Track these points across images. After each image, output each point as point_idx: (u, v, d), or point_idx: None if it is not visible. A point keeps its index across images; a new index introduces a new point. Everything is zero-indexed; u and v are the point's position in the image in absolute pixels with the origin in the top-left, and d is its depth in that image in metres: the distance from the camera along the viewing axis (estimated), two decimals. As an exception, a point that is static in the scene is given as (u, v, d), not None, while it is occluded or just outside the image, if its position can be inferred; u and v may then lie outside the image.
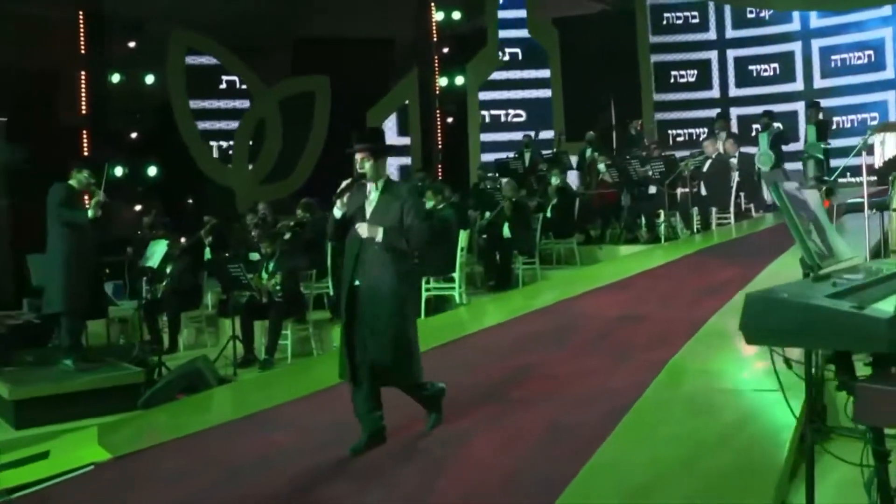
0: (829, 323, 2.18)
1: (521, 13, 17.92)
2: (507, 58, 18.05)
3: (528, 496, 4.25)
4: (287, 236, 10.80)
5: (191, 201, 17.70)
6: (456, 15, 18.11)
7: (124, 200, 16.62)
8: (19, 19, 14.90)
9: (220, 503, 4.65)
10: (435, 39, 18.36)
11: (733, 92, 17.77)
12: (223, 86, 17.68)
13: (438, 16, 18.13)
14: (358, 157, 4.79)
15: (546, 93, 17.92)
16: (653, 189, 11.82)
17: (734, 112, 17.34)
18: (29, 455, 6.05)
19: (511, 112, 18.11)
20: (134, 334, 9.75)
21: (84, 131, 16.26)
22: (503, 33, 18.10)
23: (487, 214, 11.26)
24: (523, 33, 17.99)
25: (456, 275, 9.12)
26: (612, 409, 5.21)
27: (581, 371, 6.09)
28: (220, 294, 10.34)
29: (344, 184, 4.80)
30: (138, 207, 16.75)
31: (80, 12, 16.00)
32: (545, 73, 17.93)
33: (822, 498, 2.91)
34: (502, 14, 17.98)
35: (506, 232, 10.41)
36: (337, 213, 4.82)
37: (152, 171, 16.89)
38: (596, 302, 8.16)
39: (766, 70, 17.51)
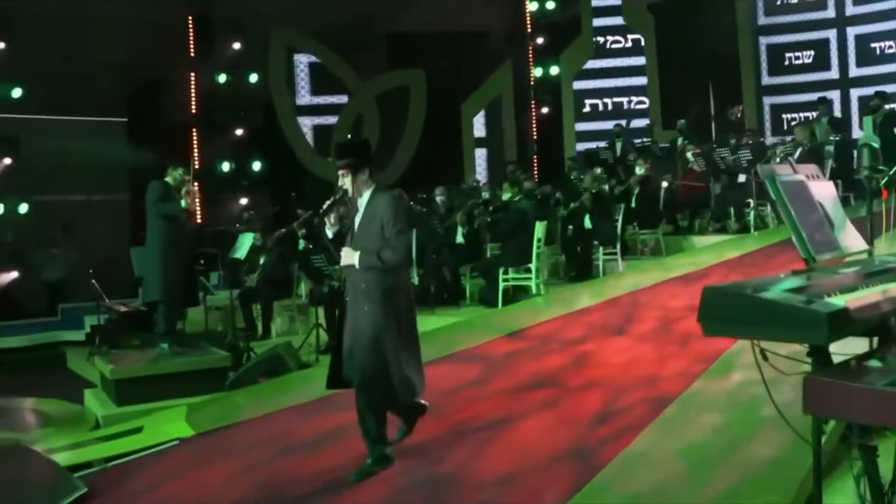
0: (775, 315, 2.27)
1: (616, 0, 17.75)
2: (602, 46, 17.91)
3: (564, 478, 4.42)
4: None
5: (293, 194, 18.38)
6: (550, 4, 18.12)
7: (230, 194, 17.55)
8: (133, 25, 15.91)
9: (286, 476, 5.01)
10: (529, 30, 18.43)
11: (854, 72, 16.94)
12: (322, 82, 18.28)
13: (532, 6, 18.19)
14: (339, 172, 4.76)
15: (641, 80, 17.69)
16: (742, 178, 11.60)
17: (854, 94, 16.53)
18: (125, 429, 6.65)
19: (607, 101, 17.96)
20: (230, 322, 10.35)
21: (194, 129, 17.23)
22: (597, 21, 17.97)
23: (572, 205, 11.34)
24: (618, 21, 17.81)
25: (532, 265, 9.27)
26: (661, 397, 5.32)
27: (637, 360, 6.19)
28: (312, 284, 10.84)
29: (327, 203, 4.80)
30: (244, 201, 17.62)
31: (189, 17, 16.93)
32: (640, 61, 17.69)
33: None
34: (596, 2, 17.85)
35: (586, 223, 10.48)
36: (329, 232, 4.86)
37: (256, 166, 17.71)
38: (668, 292, 8.18)
39: (890, 47, 16.54)
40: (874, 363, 2.38)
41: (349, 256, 4.70)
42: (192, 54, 17.06)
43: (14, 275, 14.52)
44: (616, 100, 17.99)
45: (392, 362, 4.68)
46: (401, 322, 4.74)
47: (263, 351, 8.30)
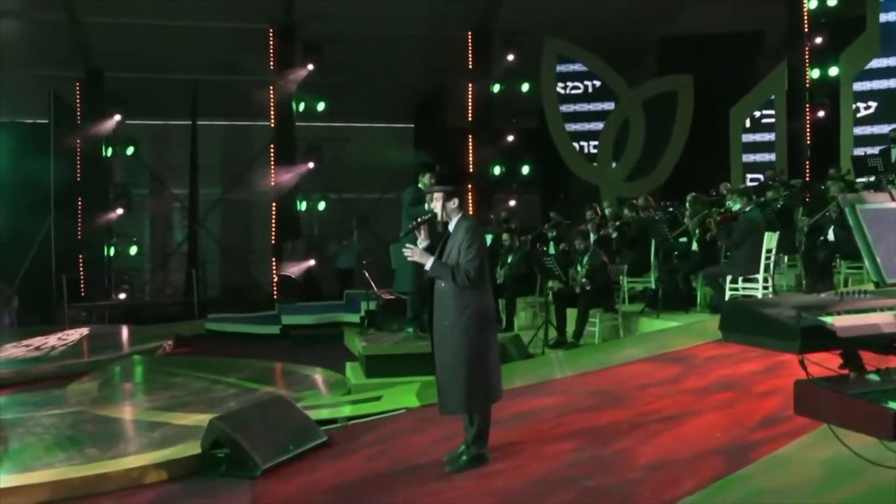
0: (768, 326, 2.68)
1: (908, -5, 16.46)
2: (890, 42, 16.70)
3: (707, 471, 4.84)
4: (614, 235, 11.81)
5: (562, 196, 19.30)
6: (832, 1, 17.23)
7: (501, 195, 18.89)
8: (419, 42, 17.74)
9: (495, 444, 5.80)
10: (807, 29, 17.66)
11: None
12: (591, 89, 18.97)
13: (812, 3, 17.41)
14: (434, 195, 5.33)
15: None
16: None
17: None
18: (368, 397, 7.97)
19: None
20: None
21: (470, 135, 18.79)
22: (885, 17, 16.78)
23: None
24: (908, 16, 16.52)
25: (759, 275, 9.33)
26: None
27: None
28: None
29: (420, 219, 5.38)
30: (512, 203, 18.88)
31: (469, 32, 18.47)
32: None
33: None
34: (885, -3, 16.68)
35: (830, 235, 10.22)
36: (422, 243, 5.30)
37: (525, 169, 18.88)
38: None
39: None
40: (873, 376, 2.71)
41: (421, 255, 5.20)
42: (471, 66, 18.57)
43: (311, 263, 17.01)
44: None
45: (471, 371, 5.16)
46: (475, 338, 5.17)
47: (495, 341, 9.28)
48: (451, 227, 5.27)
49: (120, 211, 17.86)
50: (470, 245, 5.10)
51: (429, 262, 5.17)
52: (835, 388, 2.63)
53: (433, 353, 5.40)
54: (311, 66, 17.11)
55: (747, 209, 9.51)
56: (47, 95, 16.71)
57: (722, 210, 10.50)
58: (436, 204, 5.28)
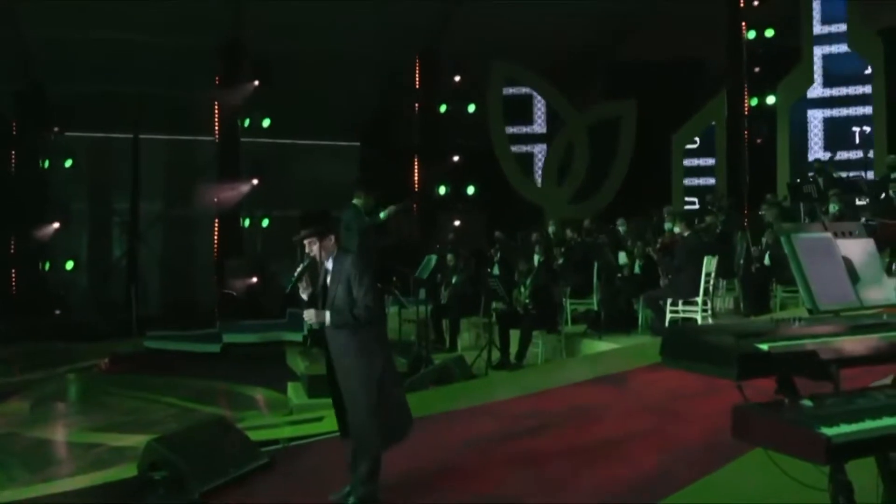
0: (709, 353, 2.76)
1: (840, 27, 17.10)
2: (820, 74, 17.34)
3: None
4: (560, 261, 11.93)
5: (504, 218, 19.47)
6: (769, 32, 17.82)
7: (446, 214, 18.96)
8: (366, 63, 17.75)
9: (438, 467, 5.86)
10: (745, 58, 18.19)
11: None
12: (537, 112, 19.24)
13: (750, 34, 17.96)
14: (305, 242, 5.08)
15: (866, 110, 16.90)
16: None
17: None
18: (309, 417, 7.88)
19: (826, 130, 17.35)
20: (424, 334, 11.42)
21: (415, 155, 18.86)
22: (819, 50, 17.42)
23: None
24: (841, 48, 17.15)
25: (699, 298, 9.53)
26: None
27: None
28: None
29: (298, 270, 5.14)
30: (457, 222, 18.97)
31: (416, 55, 18.57)
32: (865, 89, 16.93)
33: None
34: (818, 30, 17.31)
35: (766, 259, 10.50)
36: (304, 295, 5.15)
37: (471, 190, 19.01)
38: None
39: None
40: (806, 402, 2.78)
41: (319, 315, 5.02)
42: (418, 86, 18.67)
43: (254, 280, 16.83)
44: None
45: (374, 410, 5.01)
46: (381, 371, 5.06)
47: (438, 362, 9.29)
48: (328, 265, 5.08)
49: (56, 225, 17.41)
50: (361, 277, 4.95)
51: (327, 318, 5.00)
52: (770, 414, 2.69)
53: (334, 390, 5.31)
54: (256, 83, 17.01)
55: (686, 234, 9.73)
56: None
57: (661, 238, 10.74)
58: (312, 248, 5.06)
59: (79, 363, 12.50)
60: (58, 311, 17.34)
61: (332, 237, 5.11)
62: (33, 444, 7.47)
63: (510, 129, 19.18)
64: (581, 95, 19.53)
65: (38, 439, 7.65)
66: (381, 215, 9.19)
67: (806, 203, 13.28)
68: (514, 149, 19.16)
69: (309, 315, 5.06)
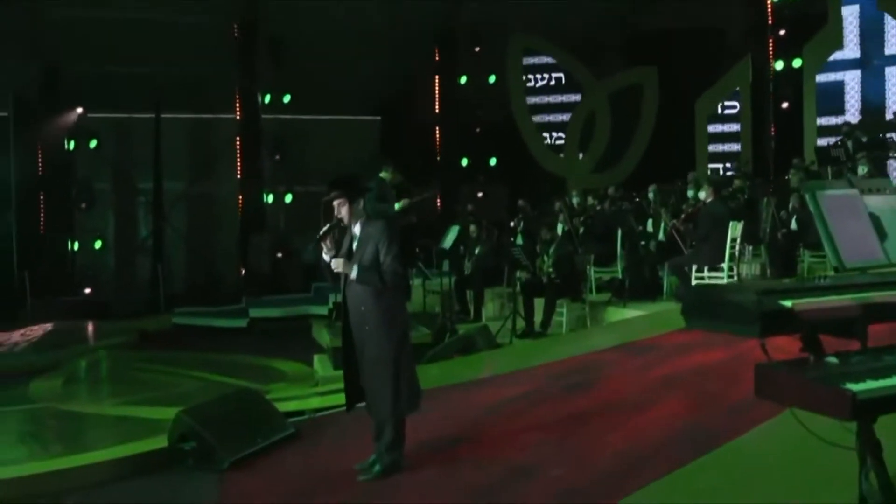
0: (731, 312, 2.72)
1: (868, -13, 16.74)
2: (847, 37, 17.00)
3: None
4: (581, 230, 11.88)
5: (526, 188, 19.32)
6: (794, -6, 17.47)
7: (468, 187, 18.90)
8: (385, 36, 17.67)
9: (462, 435, 5.90)
10: (770, 22, 17.87)
11: None
12: (557, 81, 19.06)
13: (774, -3, 17.62)
14: (335, 203, 5.05)
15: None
16: None
17: None
18: (335, 388, 7.92)
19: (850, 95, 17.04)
20: (449, 305, 11.44)
21: (436, 128, 18.79)
22: (846, 10, 17.06)
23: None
24: (871, 9, 16.79)
25: (724, 265, 9.45)
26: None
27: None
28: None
29: (323, 229, 5.07)
30: (480, 194, 18.91)
31: (435, 26, 18.43)
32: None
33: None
34: (845, -10, 16.96)
35: (793, 224, 10.38)
36: (325, 257, 5.09)
37: (493, 161, 18.92)
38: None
39: None
40: (831, 359, 2.75)
41: (345, 266, 4.98)
42: (437, 59, 18.55)
43: (278, 256, 16.92)
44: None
45: (397, 377, 5.02)
46: (400, 340, 5.08)
47: (462, 332, 9.31)
48: (356, 230, 5.08)
49: (83, 206, 17.58)
50: (390, 243, 4.96)
51: (353, 272, 4.98)
52: (795, 371, 2.67)
53: (346, 357, 5.23)
54: (276, 60, 17.00)
55: (709, 200, 9.62)
56: (7, 90, 16.40)
57: (685, 207, 10.64)
58: (342, 210, 5.03)
59: (109, 340, 12.65)
60: (87, 290, 17.54)
61: (361, 202, 5.09)
62: (66, 417, 7.61)
63: (531, 100, 19.03)
64: (601, 64, 19.31)
65: (70, 413, 7.78)
66: (397, 206, 9.20)
67: (834, 167, 13.07)
68: (535, 119, 19.03)
69: (337, 263, 4.99)
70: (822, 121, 17.03)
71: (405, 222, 9.24)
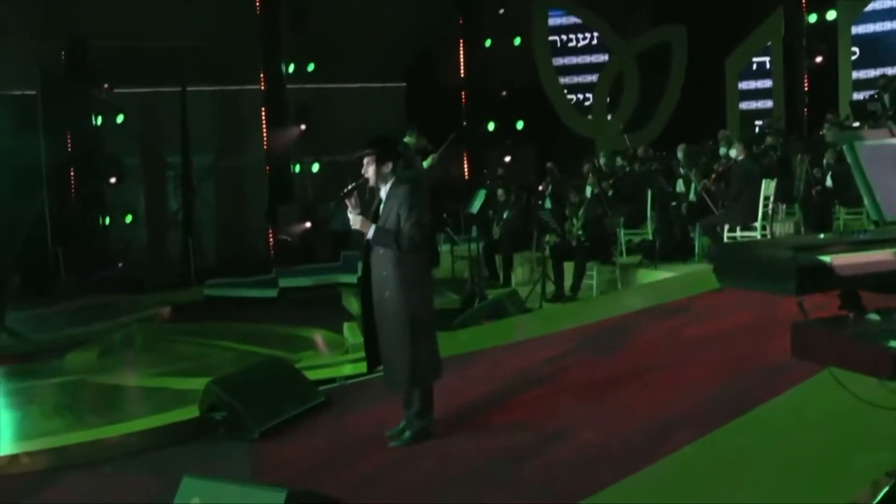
0: (764, 269, 2.60)
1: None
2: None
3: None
4: (610, 193, 11.70)
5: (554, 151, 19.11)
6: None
7: (495, 151, 18.74)
8: (408, 4, 17.46)
9: (492, 399, 5.89)
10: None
11: None
12: (583, 43, 18.75)
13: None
14: (364, 160, 5.01)
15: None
16: None
17: None
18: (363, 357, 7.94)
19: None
20: (477, 270, 11.37)
21: (462, 92, 18.59)
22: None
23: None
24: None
25: (758, 223, 9.27)
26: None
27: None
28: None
29: (348, 188, 5.04)
30: (507, 158, 18.74)
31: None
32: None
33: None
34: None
35: (828, 181, 10.14)
36: (350, 215, 5.04)
37: (520, 124, 18.71)
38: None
39: None
40: (873, 316, 2.64)
41: (363, 224, 4.95)
42: (461, 22, 18.31)
43: (307, 225, 16.93)
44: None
45: (414, 345, 4.96)
46: (418, 307, 5.00)
47: (491, 297, 9.25)
48: (383, 193, 5.03)
49: (113, 181, 17.69)
50: (411, 207, 4.88)
51: (370, 231, 4.94)
52: (833, 329, 2.56)
53: (366, 321, 5.18)
54: (299, 29, 16.88)
55: (740, 158, 9.41)
56: (33, 67, 16.46)
57: (716, 167, 10.42)
58: (368, 169, 4.98)
59: (142, 313, 12.77)
60: (120, 265, 17.71)
61: (391, 164, 5.01)
62: (101, 389, 7.70)
63: (557, 61, 18.75)
64: (629, 24, 18.95)
65: (105, 385, 7.87)
66: (425, 164, 9.12)
67: (870, 122, 12.71)
68: (562, 80, 18.76)
69: (355, 220, 4.97)
70: (860, 73, 16.58)
71: (435, 180, 9.14)
